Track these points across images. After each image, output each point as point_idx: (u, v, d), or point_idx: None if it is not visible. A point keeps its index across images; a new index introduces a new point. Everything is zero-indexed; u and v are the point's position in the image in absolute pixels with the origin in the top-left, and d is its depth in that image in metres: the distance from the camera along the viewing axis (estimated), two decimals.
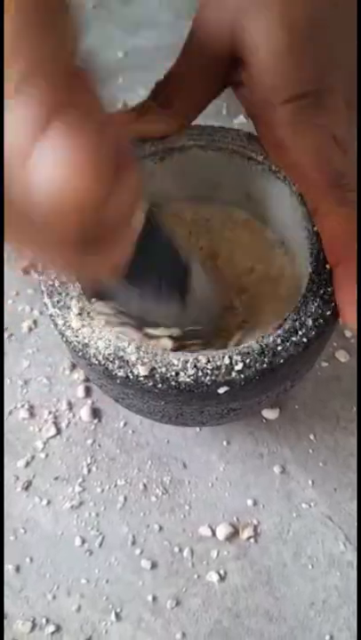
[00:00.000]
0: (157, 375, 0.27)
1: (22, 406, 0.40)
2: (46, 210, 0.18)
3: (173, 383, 0.27)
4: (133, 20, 0.55)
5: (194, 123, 0.33)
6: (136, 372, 0.27)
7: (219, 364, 0.27)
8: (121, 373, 0.27)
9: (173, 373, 0.27)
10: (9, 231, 0.20)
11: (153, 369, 0.27)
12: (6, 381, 0.40)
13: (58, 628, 0.34)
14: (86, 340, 0.28)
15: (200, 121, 0.34)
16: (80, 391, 0.40)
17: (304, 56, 0.28)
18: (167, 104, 0.32)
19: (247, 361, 0.27)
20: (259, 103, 0.30)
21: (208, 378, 0.27)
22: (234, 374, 0.27)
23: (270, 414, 0.39)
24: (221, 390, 0.27)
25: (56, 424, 0.39)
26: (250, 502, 0.37)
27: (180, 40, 0.32)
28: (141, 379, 0.27)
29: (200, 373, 0.27)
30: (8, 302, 0.43)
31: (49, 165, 0.17)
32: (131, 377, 0.27)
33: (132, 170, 0.21)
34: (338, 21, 0.29)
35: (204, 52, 0.31)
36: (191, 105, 0.33)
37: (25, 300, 0.43)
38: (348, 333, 0.41)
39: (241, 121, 0.47)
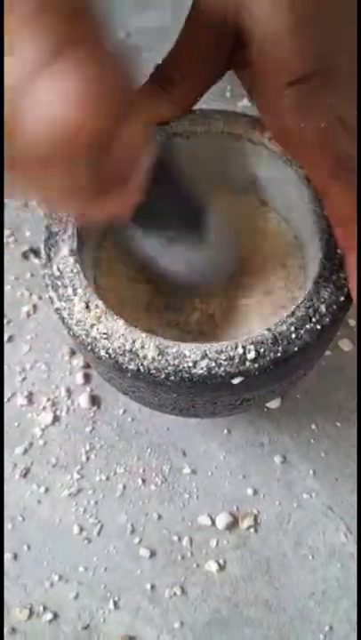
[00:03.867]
0: (170, 368, 0.26)
1: (21, 393, 0.39)
2: (50, 142, 0.18)
3: (186, 375, 0.26)
4: (136, 0, 0.54)
5: (197, 106, 0.32)
6: (147, 365, 0.27)
7: (232, 354, 0.26)
8: (132, 367, 0.27)
9: (186, 365, 0.26)
10: (15, 174, 0.20)
11: (165, 361, 0.27)
12: (4, 368, 0.40)
13: (55, 616, 0.34)
14: (94, 334, 0.27)
15: (203, 104, 0.33)
16: (79, 378, 0.39)
17: (308, 37, 0.28)
18: (167, 87, 0.31)
19: (261, 350, 0.27)
20: (262, 86, 0.29)
21: (222, 368, 0.26)
22: (248, 364, 0.26)
23: (272, 403, 0.38)
24: (236, 381, 0.27)
25: (55, 411, 0.39)
26: (250, 492, 0.36)
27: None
28: (153, 372, 0.26)
29: (213, 364, 0.26)
30: (7, 287, 0.42)
31: (52, 97, 0.18)
32: (142, 370, 0.27)
33: (140, 111, 0.21)
34: (343, 2, 0.28)
35: (206, 33, 0.30)
36: (193, 87, 0.31)
37: (24, 285, 0.43)
38: (351, 322, 0.40)
39: (245, 104, 0.46)
